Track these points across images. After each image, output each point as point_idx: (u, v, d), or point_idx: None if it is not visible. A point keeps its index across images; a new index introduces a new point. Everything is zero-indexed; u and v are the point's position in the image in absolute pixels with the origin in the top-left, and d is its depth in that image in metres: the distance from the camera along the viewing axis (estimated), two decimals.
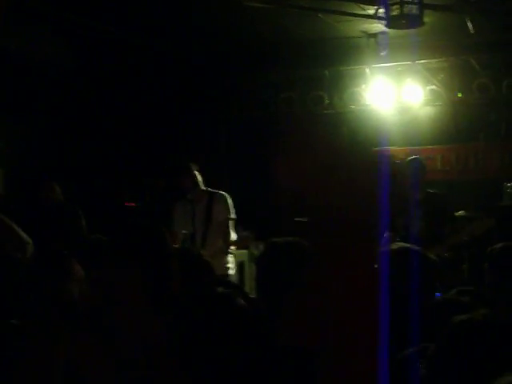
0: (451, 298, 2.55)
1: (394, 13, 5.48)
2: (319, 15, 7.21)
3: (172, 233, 6.48)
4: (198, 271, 3.27)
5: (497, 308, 2.56)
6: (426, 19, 5.86)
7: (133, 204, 8.87)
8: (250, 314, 1.83)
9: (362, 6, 6.66)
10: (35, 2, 6.61)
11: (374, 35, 8.11)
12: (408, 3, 5.32)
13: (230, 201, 6.63)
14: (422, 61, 8.54)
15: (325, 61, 8.84)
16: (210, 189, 6.69)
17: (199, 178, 6.64)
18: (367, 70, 8.81)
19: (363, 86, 8.90)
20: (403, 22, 5.53)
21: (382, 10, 5.86)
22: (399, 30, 6.64)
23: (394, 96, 8.84)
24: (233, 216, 6.61)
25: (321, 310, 1.12)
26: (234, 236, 6.63)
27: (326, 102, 9.08)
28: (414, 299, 2.76)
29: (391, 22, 5.71)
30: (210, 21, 7.51)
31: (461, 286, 2.65)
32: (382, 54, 8.21)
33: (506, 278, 3.40)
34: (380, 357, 1.83)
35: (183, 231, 6.37)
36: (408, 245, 3.10)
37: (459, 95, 8.72)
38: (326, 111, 9.16)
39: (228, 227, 6.59)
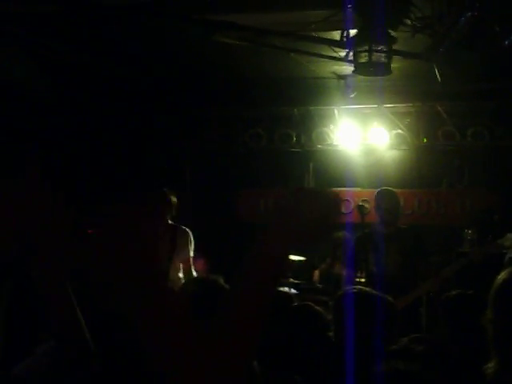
0: (403, 347, 2.56)
1: (362, 60, 5.55)
2: (291, 54, 7.29)
3: None
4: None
5: (450, 357, 2.59)
6: (394, 65, 5.95)
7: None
8: None
9: (333, 48, 6.75)
10: (6, 23, 6.58)
11: (344, 77, 8.22)
12: (376, 51, 5.39)
13: (191, 237, 6.59)
14: (389, 105, 8.67)
15: (295, 99, 8.91)
16: (172, 222, 6.65)
17: (173, 209, 6.58)
18: (336, 111, 8.91)
19: (331, 127, 8.99)
20: (371, 69, 5.60)
21: (352, 54, 5.93)
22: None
23: (361, 138, 8.94)
24: (191, 254, 6.59)
25: None
26: (194, 273, 6.58)
27: (294, 140, 9.14)
28: (370, 343, 2.77)
29: (359, 68, 5.78)
30: (184, 51, 7.54)
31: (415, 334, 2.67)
32: (350, 96, 8.32)
33: (458, 326, 3.42)
34: None
35: None
36: (367, 289, 3.12)
37: (424, 141, 8.84)
38: (293, 149, 9.22)
39: (190, 265, 6.55)
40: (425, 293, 5.92)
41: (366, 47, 5.41)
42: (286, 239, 1.32)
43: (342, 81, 8.40)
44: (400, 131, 8.80)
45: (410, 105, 8.75)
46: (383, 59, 5.37)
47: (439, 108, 8.60)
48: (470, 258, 5.69)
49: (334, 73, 8.23)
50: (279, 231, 1.32)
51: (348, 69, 7.36)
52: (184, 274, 6.52)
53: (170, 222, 6.60)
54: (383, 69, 5.50)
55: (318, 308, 3.61)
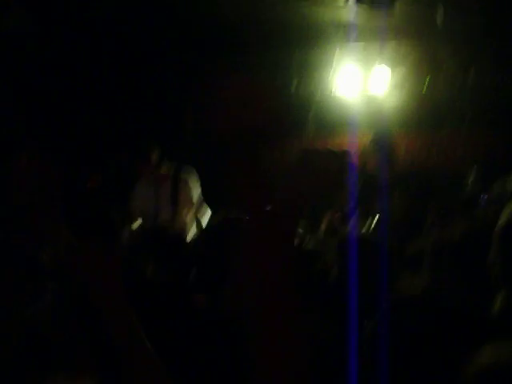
0: None
1: None
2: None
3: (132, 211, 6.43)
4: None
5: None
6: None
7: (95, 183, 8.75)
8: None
9: None
10: None
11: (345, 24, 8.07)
12: None
13: (191, 185, 6.52)
14: (392, 44, 8.51)
15: (294, 44, 8.78)
16: (171, 170, 6.57)
17: (159, 161, 6.52)
18: (336, 56, 8.77)
19: (330, 73, 8.86)
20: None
21: None
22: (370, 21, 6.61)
23: (361, 82, 8.79)
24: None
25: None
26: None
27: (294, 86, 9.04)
28: (373, 290, 2.76)
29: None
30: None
31: None
32: (353, 37, 8.19)
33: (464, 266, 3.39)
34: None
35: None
36: (371, 234, 3.10)
37: (426, 82, 8.73)
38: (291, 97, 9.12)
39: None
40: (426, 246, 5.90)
41: None
42: (298, 198, 1.31)
43: (343, 28, 8.26)
44: (402, 71, 8.66)
45: (413, 46, 8.61)
46: None
47: (442, 48, 8.47)
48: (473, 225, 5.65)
49: (334, 20, 8.08)
50: (291, 191, 1.31)
51: (349, 15, 7.25)
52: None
53: (167, 170, 6.53)
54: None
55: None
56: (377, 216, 5.68)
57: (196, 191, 6.50)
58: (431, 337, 1.95)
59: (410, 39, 8.55)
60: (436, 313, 1.97)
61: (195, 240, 5.48)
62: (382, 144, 6.01)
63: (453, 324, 1.96)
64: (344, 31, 8.15)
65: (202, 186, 6.55)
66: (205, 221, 6.18)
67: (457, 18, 7.39)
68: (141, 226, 6.32)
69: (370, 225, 5.59)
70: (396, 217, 5.59)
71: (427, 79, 8.73)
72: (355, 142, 8.46)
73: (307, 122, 9.26)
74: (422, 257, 5.88)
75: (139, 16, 7.71)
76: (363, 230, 4.81)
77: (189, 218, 6.45)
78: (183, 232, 5.90)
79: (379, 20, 7.13)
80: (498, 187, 5.72)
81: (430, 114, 8.90)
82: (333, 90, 8.87)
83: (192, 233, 6.31)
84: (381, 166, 6.02)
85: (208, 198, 6.70)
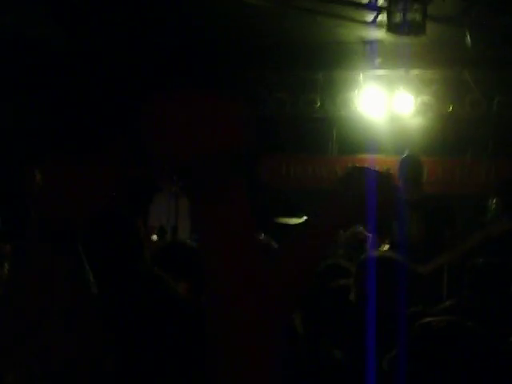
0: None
1: (397, 19, 5.44)
2: (317, 18, 7.18)
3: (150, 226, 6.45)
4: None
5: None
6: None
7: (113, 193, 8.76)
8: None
9: (360, 12, 6.63)
10: None
11: (370, 42, 8.09)
12: (411, 10, 5.28)
13: None
14: (416, 71, 8.54)
15: (319, 64, 8.80)
16: None
17: None
18: (361, 77, 8.80)
19: (356, 92, 8.88)
20: (405, 29, 5.49)
21: (381, 17, 5.81)
22: (396, 39, 6.62)
23: (386, 104, 8.83)
24: None
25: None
26: None
27: (318, 105, 9.05)
28: (391, 307, 2.73)
29: (392, 28, 5.66)
30: (207, 13, 7.45)
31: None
32: (376, 61, 8.20)
33: (483, 295, 3.37)
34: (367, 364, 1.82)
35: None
36: (391, 253, 3.08)
37: (450, 108, 8.72)
38: (316, 114, 9.14)
39: None
40: (446, 263, 5.85)
41: (401, 6, 5.29)
42: (341, 214, 1.31)
43: (368, 46, 8.27)
44: (426, 98, 8.68)
45: (437, 71, 8.62)
46: (418, 18, 5.26)
47: (467, 75, 8.46)
48: (489, 231, 5.60)
49: (360, 38, 8.09)
50: (336, 205, 1.31)
51: (374, 34, 7.25)
52: None
53: None
54: (417, 29, 5.39)
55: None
56: (397, 236, 5.66)
57: None
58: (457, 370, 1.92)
59: (435, 66, 8.55)
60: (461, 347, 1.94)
61: None
62: (407, 164, 5.95)
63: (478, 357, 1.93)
64: (368, 58, 8.18)
65: None
66: None
67: (483, 46, 7.39)
68: (160, 238, 6.34)
69: (390, 245, 5.56)
70: (415, 239, 5.56)
71: (451, 106, 8.71)
72: (378, 160, 8.46)
73: (332, 139, 9.27)
74: (441, 279, 5.86)
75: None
76: (383, 251, 4.78)
77: None
78: None
79: (404, 47, 7.14)
80: None
81: (453, 139, 8.87)
82: (357, 108, 8.88)
83: None
84: (403, 186, 5.98)
85: None
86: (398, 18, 5.43)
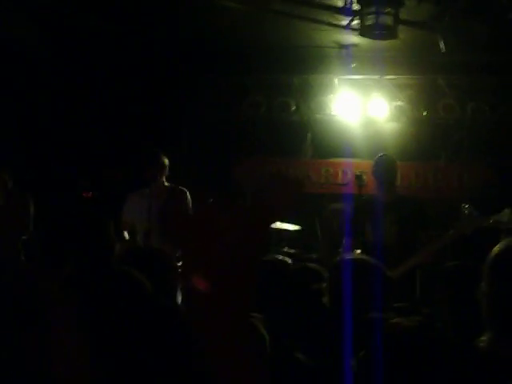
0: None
1: (369, 22, 5.46)
2: (293, 22, 7.20)
3: (123, 222, 6.41)
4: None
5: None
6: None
7: (90, 194, 8.75)
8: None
9: (336, 16, 6.66)
10: None
11: (345, 47, 8.14)
12: (383, 14, 5.30)
13: (189, 197, 6.53)
14: (390, 76, 8.60)
15: (294, 68, 8.83)
16: (168, 184, 6.58)
17: (166, 170, 6.52)
18: (336, 81, 8.83)
19: (330, 96, 8.92)
20: (377, 32, 5.52)
21: (356, 22, 5.84)
22: (370, 44, 6.66)
23: (360, 108, 8.88)
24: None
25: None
26: None
27: (293, 108, 9.08)
28: (365, 310, 2.75)
29: (365, 31, 5.69)
30: (183, 18, 7.44)
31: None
32: (351, 66, 8.25)
33: (454, 297, 3.39)
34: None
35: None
36: (364, 256, 3.09)
37: (424, 113, 8.79)
38: (291, 118, 9.16)
39: None
40: (418, 264, 5.87)
41: (373, 9, 5.32)
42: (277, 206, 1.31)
43: (343, 50, 8.32)
44: (400, 103, 8.74)
45: (411, 77, 8.69)
46: (389, 22, 5.29)
47: (440, 81, 8.54)
48: (459, 231, 5.62)
49: (336, 42, 8.13)
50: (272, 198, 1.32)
51: (349, 38, 7.29)
52: None
53: (166, 183, 6.55)
54: (389, 32, 5.41)
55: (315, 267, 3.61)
56: (371, 238, 5.67)
57: (190, 209, 6.50)
58: (422, 367, 1.95)
59: (409, 72, 8.61)
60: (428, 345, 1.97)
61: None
62: (381, 164, 5.95)
63: (443, 355, 1.96)
64: (343, 62, 8.22)
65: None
66: None
67: (457, 51, 7.46)
68: (133, 240, 6.29)
69: (362, 248, 5.58)
70: (389, 241, 5.58)
71: (425, 111, 8.78)
72: (353, 164, 8.51)
73: (306, 143, 9.29)
74: (413, 282, 5.89)
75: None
76: (356, 254, 4.80)
77: None
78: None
79: (379, 52, 7.19)
80: (492, 220, 5.73)
81: (427, 144, 8.94)
82: (332, 112, 8.92)
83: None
84: (377, 187, 5.99)
85: None
86: (370, 21, 5.45)
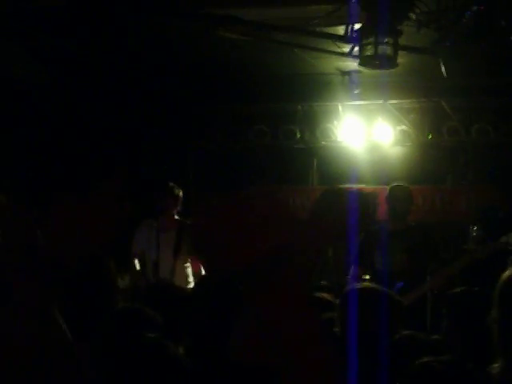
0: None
1: (368, 53, 5.48)
2: (295, 50, 7.25)
3: (133, 253, 6.41)
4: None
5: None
6: (399, 60, 5.90)
7: None
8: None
9: (337, 44, 6.69)
10: (7, 21, 6.54)
11: (348, 73, 8.17)
12: (382, 44, 5.32)
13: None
14: (394, 101, 8.62)
15: (299, 96, 8.87)
16: (178, 217, 6.59)
17: (180, 202, 6.54)
18: (340, 107, 8.86)
19: (335, 123, 8.94)
20: (376, 62, 5.54)
21: (356, 49, 5.87)
22: (372, 70, 6.69)
23: (365, 134, 8.90)
24: None
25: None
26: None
27: (298, 136, 9.10)
28: (375, 339, 2.74)
29: (364, 61, 5.70)
30: (186, 48, 7.50)
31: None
32: (354, 92, 8.27)
33: (463, 323, 3.36)
34: None
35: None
36: (373, 285, 3.08)
37: (429, 137, 8.80)
38: (297, 145, 9.18)
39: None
40: (429, 290, 5.85)
41: (372, 39, 5.33)
42: (324, 235, 1.31)
43: (346, 77, 8.35)
44: (404, 127, 8.76)
45: (415, 101, 8.71)
46: (389, 52, 5.30)
47: (444, 104, 8.55)
48: (473, 256, 5.62)
49: (338, 69, 8.18)
50: (318, 227, 1.32)
51: (352, 65, 7.33)
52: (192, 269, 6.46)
53: (176, 217, 6.56)
54: (389, 62, 5.43)
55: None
56: (379, 266, 5.65)
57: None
58: None
59: (412, 96, 8.64)
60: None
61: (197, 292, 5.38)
62: (396, 193, 5.94)
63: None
64: (347, 88, 8.25)
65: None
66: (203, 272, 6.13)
67: (458, 75, 7.49)
68: (141, 274, 6.30)
69: (371, 276, 5.56)
70: (398, 269, 5.56)
71: (429, 134, 8.79)
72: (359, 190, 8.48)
73: (312, 170, 9.31)
74: (422, 308, 5.85)
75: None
76: (365, 283, 4.78)
77: (188, 267, 6.47)
78: (184, 285, 5.90)
79: (382, 77, 7.22)
80: (502, 242, 5.72)
81: (433, 167, 8.94)
82: (337, 139, 8.93)
83: (191, 284, 6.32)
84: (388, 215, 5.98)
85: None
86: (369, 51, 5.46)
